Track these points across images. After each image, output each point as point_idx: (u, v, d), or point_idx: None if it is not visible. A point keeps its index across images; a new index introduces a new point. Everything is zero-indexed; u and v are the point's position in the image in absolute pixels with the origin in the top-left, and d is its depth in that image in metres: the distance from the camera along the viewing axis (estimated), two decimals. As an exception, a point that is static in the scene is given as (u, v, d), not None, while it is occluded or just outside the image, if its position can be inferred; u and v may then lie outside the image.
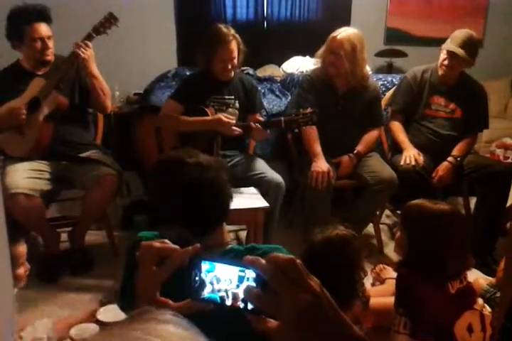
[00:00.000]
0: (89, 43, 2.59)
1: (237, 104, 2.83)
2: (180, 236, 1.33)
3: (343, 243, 1.63)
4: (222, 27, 2.71)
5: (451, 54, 2.87)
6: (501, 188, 2.83)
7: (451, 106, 3.01)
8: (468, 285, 1.72)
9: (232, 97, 2.83)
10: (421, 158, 2.86)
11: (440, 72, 2.98)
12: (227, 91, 2.82)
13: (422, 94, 3.05)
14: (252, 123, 2.63)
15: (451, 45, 2.86)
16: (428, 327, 1.63)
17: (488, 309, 1.76)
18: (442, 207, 1.75)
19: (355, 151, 2.93)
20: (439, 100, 3.03)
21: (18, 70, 2.72)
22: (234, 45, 2.70)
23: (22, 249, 1.87)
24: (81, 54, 2.56)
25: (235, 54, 2.72)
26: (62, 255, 2.73)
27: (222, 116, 2.63)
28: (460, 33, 2.88)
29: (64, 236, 2.78)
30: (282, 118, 2.61)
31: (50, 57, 2.69)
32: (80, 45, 2.57)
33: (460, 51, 2.82)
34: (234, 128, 2.61)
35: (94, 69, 2.66)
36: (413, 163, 2.83)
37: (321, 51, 2.92)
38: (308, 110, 2.60)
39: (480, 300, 1.75)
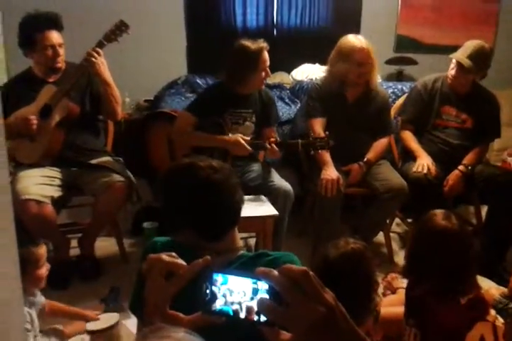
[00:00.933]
0: (100, 51, 2.60)
1: (253, 118, 2.83)
2: (193, 242, 1.33)
3: (359, 258, 1.60)
4: (249, 44, 2.66)
5: (458, 64, 2.85)
6: None
7: (463, 116, 3.00)
8: (479, 296, 1.70)
9: (250, 111, 2.82)
10: (434, 168, 2.84)
11: (450, 82, 2.97)
12: (245, 104, 2.81)
13: (432, 104, 3.03)
14: (268, 145, 2.63)
15: (459, 55, 2.84)
16: (438, 338, 1.61)
17: (500, 320, 1.74)
18: (449, 225, 1.72)
19: (365, 159, 2.91)
20: (450, 110, 3.01)
21: (30, 77, 2.74)
22: (267, 56, 2.71)
23: (43, 250, 1.95)
24: (92, 62, 2.57)
25: (268, 62, 2.73)
26: (72, 261, 2.74)
27: (240, 138, 2.63)
28: (471, 44, 2.85)
29: (74, 243, 2.79)
30: (299, 141, 2.61)
31: (61, 65, 2.71)
32: (91, 53, 2.58)
33: (466, 61, 2.80)
34: (248, 148, 2.62)
35: (108, 77, 2.68)
36: (425, 171, 2.81)
37: (343, 65, 2.83)
38: (326, 134, 2.62)
39: (492, 311, 1.72)
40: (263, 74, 2.72)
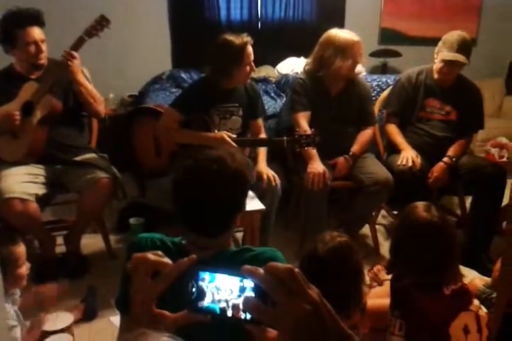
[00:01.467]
0: (74, 53, 2.56)
1: (240, 112, 2.82)
2: (187, 238, 1.36)
3: (346, 251, 1.61)
4: (233, 39, 2.64)
5: (448, 61, 2.86)
6: (496, 189, 2.83)
7: (447, 108, 3.01)
8: (463, 287, 1.73)
9: (236, 105, 2.80)
10: (418, 161, 2.86)
11: (437, 77, 2.97)
12: (231, 99, 2.79)
13: (416, 96, 3.04)
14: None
15: (449, 52, 2.82)
16: (423, 329, 1.63)
17: (484, 310, 1.76)
18: (429, 217, 1.74)
19: (351, 153, 2.93)
20: (434, 102, 3.02)
21: (11, 74, 2.70)
22: (251, 50, 2.68)
23: (21, 249, 1.92)
24: (67, 66, 2.55)
25: (253, 56, 2.71)
26: (58, 259, 2.73)
27: (225, 134, 2.62)
28: (452, 37, 2.84)
29: (60, 240, 2.77)
30: (285, 138, 2.61)
31: (44, 61, 2.67)
32: (66, 55, 2.55)
33: (461, 57, 2.80)
34: (233, 145, 2.59)
35: (81, 78, 2.65)
36: (410, 164, 2.83)
37: (345, 62, 2.81)
38: (311, 131, 2.61)
39: (476, 301, 1.74)
40: (248, 68, 2.71)
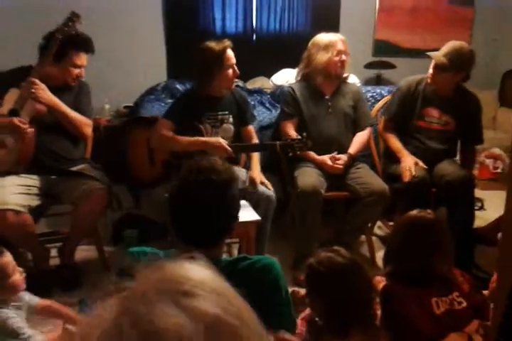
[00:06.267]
0: (35, 81, 2.51)
1: (231, 119, 2.83)
2: (180, 250, 1.37)
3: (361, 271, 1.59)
4: (213, 44, 2.69)
5: (434, 64, 2.88)
6: (464, 196, 2.81)
7: (445, 118, 2.99)
8: (461, 310, 1.67)
9: (226, 113, 2.82)
10: (420, 164, 2.85)
11: (428, 81, 2.97)
12: (220, 107, 2.81)
13: (415, 105, 3.02)
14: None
15: (435, 52, 2.87)
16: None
17: (480, 332, 1.72)
18: (422, 213, 1.77)
19: (347, 154, 2.93)
20: (433, 112, 3.00)
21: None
22: (232, 53, 2.72)
23: (7, 259, 1.88)
24: (32, 92, 2.51)
25: (234, 60, 2.74)
26: (52, 271, 2.69)
27: (223, 141, 2.64)
28: (451, 43, 2.86)
29: (53, 252, 2.74)
30: (278, 143, 2.62)
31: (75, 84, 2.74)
32: (27, 84, 2.51)
33: (439, 58, 2.82)
34: (228, 149, 2.62)
35: (55, 103, 2.59)
36: (414, 173, 2.78)
37: (325, 55, 2.92)
38: (303, 135, 2.61)
39: (475, 324, 1.69)
40: (230, 72, 2.73)
